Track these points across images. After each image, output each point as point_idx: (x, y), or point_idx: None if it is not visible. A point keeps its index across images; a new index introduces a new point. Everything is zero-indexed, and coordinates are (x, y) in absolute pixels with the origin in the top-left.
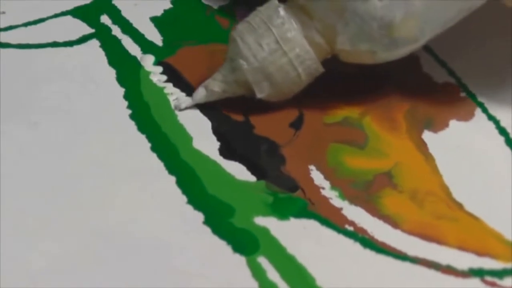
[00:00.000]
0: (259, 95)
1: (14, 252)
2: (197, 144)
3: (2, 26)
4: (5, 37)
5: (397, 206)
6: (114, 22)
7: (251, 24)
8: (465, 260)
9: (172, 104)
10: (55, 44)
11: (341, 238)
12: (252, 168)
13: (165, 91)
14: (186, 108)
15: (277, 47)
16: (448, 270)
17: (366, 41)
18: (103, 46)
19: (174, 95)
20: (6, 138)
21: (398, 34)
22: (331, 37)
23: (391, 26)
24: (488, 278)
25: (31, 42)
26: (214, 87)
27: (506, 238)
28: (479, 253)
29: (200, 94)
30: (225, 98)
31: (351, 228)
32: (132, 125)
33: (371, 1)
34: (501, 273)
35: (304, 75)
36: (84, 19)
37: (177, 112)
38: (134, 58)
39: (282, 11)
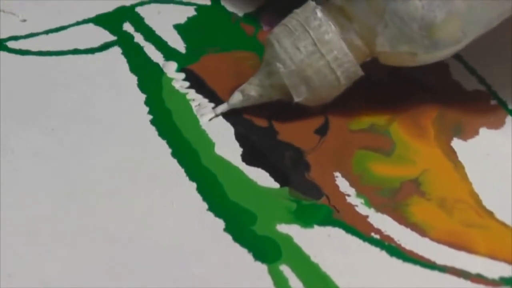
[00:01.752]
0: (297, 99)
1: (28, 258)
2: (219, 150)
3: (23, 33)
4: (26, 44)
5: (425, 214)
6: (136, 30)
7: (287, 26)
8: (495, 269)
9: (195, 109)
10: (76, 51)
11: (367, 246)
12: (276, 174)
13: (187, 97)
14: (222, 112)
15: (315, 50)
16: (478, 279)
17: (406, 42)
18: (125, 53)
19: (197, 101)
20: (25, 144)
21: (439, 35)
22: (370, 39)
23: (432, 26)
24: None
25: (52, 49)
26: (250, 91)
27: None
28: (511, 262)
29: (237, 98)
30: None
31: (377, 236)
32: (153, 130)
33: (411, 1)
34: None
35: (342, 78)
36: (106, 27)
37: (199, 118)
38: (157, 65)
39: (319, 13)
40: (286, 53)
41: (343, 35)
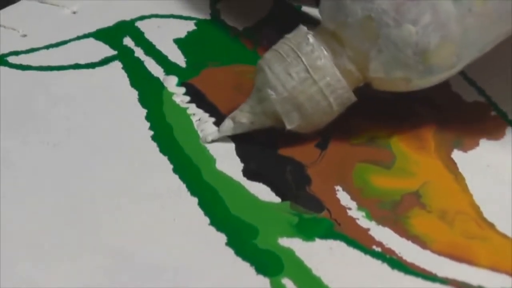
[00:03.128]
0: (289, 126)
1: (28, 272)
2: (220, 165)
3: (24, 48)
4: (27, 59)
5: (426, 226)
6: (137, 44)
7: (279, 52)
8: (497, 281)
9: (195, 124)
10: (76, 66)
11: (368, 259)
12: (277, 188)
13: (188, 111)
14: (213, 141)
15: (307, 76)
16: None
17: (400, 68)
18: (125, 67)
19: (197, 115)
20: (26, 159)
21: (434, 60)
22: (363, 64)
23: (427, 52)
24: None
25: (52, 64)
26: (241, 118)
27: None
28: None
29: (227, 126)
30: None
31: (378, 249)
32: (154, 146)
33: (405, 26)
34: None
35: (335, 105)
36: (106, 41)
37: (200, 133)
38: (157, 79)
39: (311, 38)
40: (278, 79)
41: (336, 61)
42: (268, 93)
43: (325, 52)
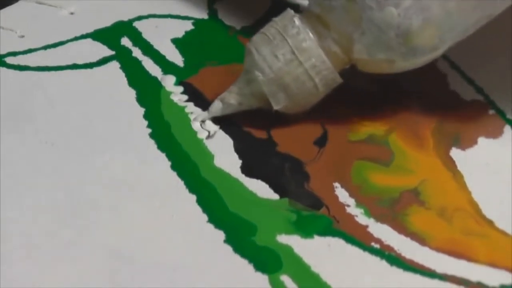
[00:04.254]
0: (276, 106)
1: (27, 273)
2: (219, 162)
3: (21, 49)
4: (25, 60)
5: (425, 223)
6: (134, 44)
7: (266, 35)
8: (496, 277)
9: (191, 118)
10: (74, 66)
11: (367, 255)
12: (275, 185)
13: (186, 110)
14: (203, 121)
15: (293, 58)
16: (479, 287)
17: (383, 50)
18: (123, 67)
19: (195, 114)
20: (24, 158)
21: (416, 42)
22: (347, 46)
23: (409, 34)
24: None
25: (50, 64)
26: (230, 99)
27: None
28: (511, 270)
29: (216, 107)
30: (244, 112)
31: (377, 246)
32: (152, 144)
33: (387, 9)
34: None
35: (321, 86)
36: (104, 42)
37: (197, 130)
38: (155, 78)
39: (297, 21)
40: (265, 61)
41: (321, 43)
42: (255, 74)
43: (311, 35)
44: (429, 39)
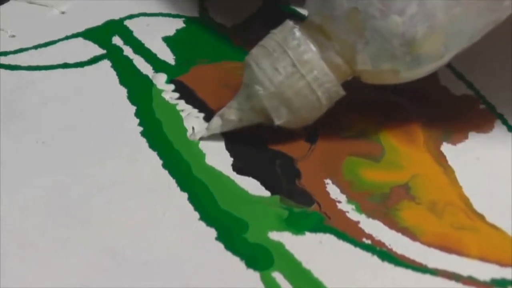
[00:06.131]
0: (278, 122)
1: (22, 271)
2: (210, 160)
3: (12, 49)
4: (16, 59)
5: (416, 218)
6: (126, 43)
7: (265, 47)
8: (487, 271)
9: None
10: (66, 66)
11: (358, 251)
12: (266, 183)
13: (177, 108)
14: (202, 138)
15: (294, 70)
16: (470, 281)
17: (387, 60)
18: (114, 66)
19: (186, 111)
20: (16, 157)
21: (421, 50)
22: (350, 57)
23: (414, 42)
24: None
25: (41, 64)
26: (230, 115)
27: None
28: (502, 264)
29: (216, 123)
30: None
31: (368, 242)
32: (143, 142)
33: (391, 17)
34: None
35: (324, 99)
36: (95, 41)
37: (188, 131)
38: (146, 77)
39: (297, 33)
40: (265, 74)
41: (323, 54)
42: (256, 89)
43: (312, 46)
44: (435, 47)
